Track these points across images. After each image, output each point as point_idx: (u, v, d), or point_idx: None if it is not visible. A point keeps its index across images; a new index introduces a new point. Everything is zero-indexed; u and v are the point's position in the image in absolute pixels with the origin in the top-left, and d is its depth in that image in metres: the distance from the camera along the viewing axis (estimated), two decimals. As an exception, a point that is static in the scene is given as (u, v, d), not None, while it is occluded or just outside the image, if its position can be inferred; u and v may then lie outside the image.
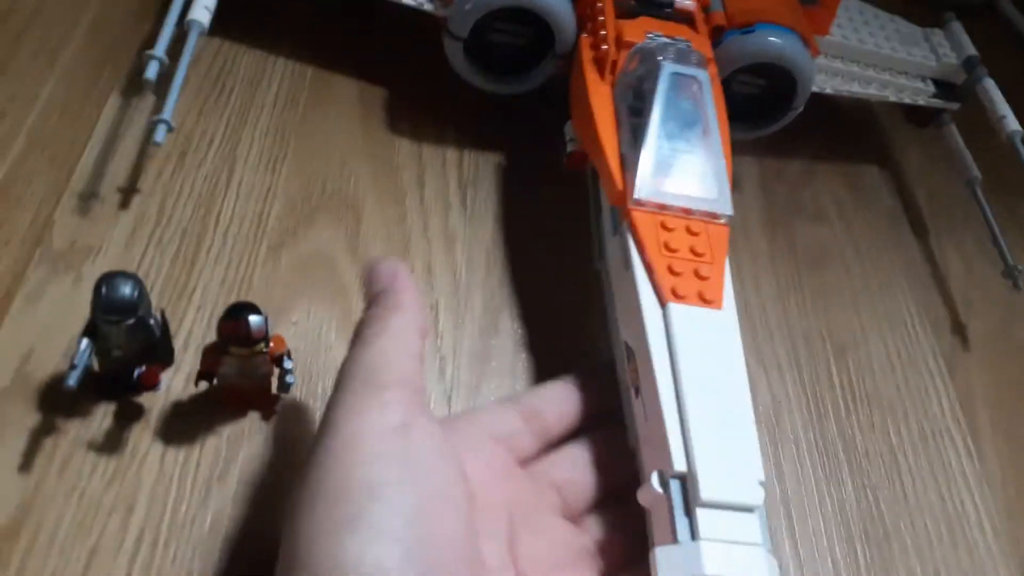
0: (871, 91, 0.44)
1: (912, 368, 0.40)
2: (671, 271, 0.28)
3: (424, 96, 0.42)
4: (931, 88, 0.46)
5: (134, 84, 0.38)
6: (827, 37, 0.43)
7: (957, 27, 0.47)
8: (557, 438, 0.28)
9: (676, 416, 0.25)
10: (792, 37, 0.38)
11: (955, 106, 0.46)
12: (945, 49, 0.46)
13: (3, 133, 0.35)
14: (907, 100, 0.45)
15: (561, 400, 0.29)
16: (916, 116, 0.48)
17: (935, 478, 0.36)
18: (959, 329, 0.42)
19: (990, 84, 0.44)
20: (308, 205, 0.37)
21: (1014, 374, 0.41)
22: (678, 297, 0.27)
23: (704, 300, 0.28)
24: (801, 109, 0.41)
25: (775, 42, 0.38)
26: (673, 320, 0.27)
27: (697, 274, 0.28)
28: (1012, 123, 0.42)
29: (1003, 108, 0.43)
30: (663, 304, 0.27)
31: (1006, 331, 0.43)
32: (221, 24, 0.38)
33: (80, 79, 0.38)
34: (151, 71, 0.32)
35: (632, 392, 0.27)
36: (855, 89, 0.44)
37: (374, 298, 0.26)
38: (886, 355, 0.40)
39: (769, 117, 0.41)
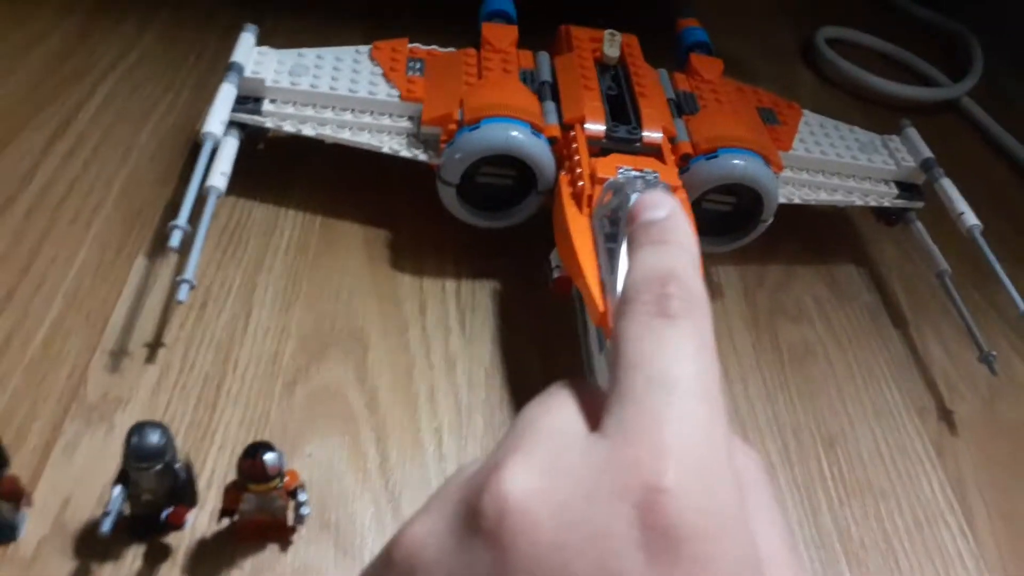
0: (837, 197, 0.48)
1: (901, 454, 0.41)
2: None
3: (424, 234, 0.46)
4: (894, 190, 0.49)
5: (158, 244, 0.42)
6: (791, 152, 0.47)
7: (912, 132, 0.51)
8: None
9: None
10: (753, 158, 0.42)
11: (919, 205, 0.49)
12: (903, 153, 0.50)
13: (44, 296, 0.39)
14: (873, 203, 0.48)
15: None
16: (884, 216, 0.51)
17: (932, 563, 0.37)
18: (944, 413, 0.44)
19: (947, 183, 0.48)
20: (319, 342, 0.40)
21: (1002, 453, 0.42)
22: None
23: None
24: (771, 221, 0.44)
25: (738, 164, 0.41)
26: None
27: None
28: (971, 218, 0.45)
29: (961, 205, 0.46)
30: None
31: (990, 411, 0.45)
32: (236, 181, 0.42)
33: (111, 241, 0.42)
34: (175, 240, 0.36)
35: None
36: (822, 197, 0.47)
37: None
38: (875, 444, 0.41)
39: (742, 230, 0.44)
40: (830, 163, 0.48)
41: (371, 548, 0.33)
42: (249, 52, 0.44)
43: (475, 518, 0.17)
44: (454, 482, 0.19)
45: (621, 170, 0.38)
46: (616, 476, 0.16)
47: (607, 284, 0.35)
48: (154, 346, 0.38)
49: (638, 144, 0.41)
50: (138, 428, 0.29)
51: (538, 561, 0.16)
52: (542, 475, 0.17)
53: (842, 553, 0.36)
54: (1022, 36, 0.72)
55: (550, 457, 0.17)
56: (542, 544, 0.16)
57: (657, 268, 0.21)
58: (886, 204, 0.49)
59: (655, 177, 0.38)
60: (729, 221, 0.44)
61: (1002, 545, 0.38)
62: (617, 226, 0.36)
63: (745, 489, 0.18)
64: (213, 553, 0.32)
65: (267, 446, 0.30)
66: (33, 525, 0.31)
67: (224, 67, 0.43)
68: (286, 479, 0.31)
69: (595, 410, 0.19)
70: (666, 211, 0.23)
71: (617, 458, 0.17)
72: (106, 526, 0.28)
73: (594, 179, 0.38)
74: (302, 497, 0.31)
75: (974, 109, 0.67)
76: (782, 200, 0.45)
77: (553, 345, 0.41)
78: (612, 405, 0.18)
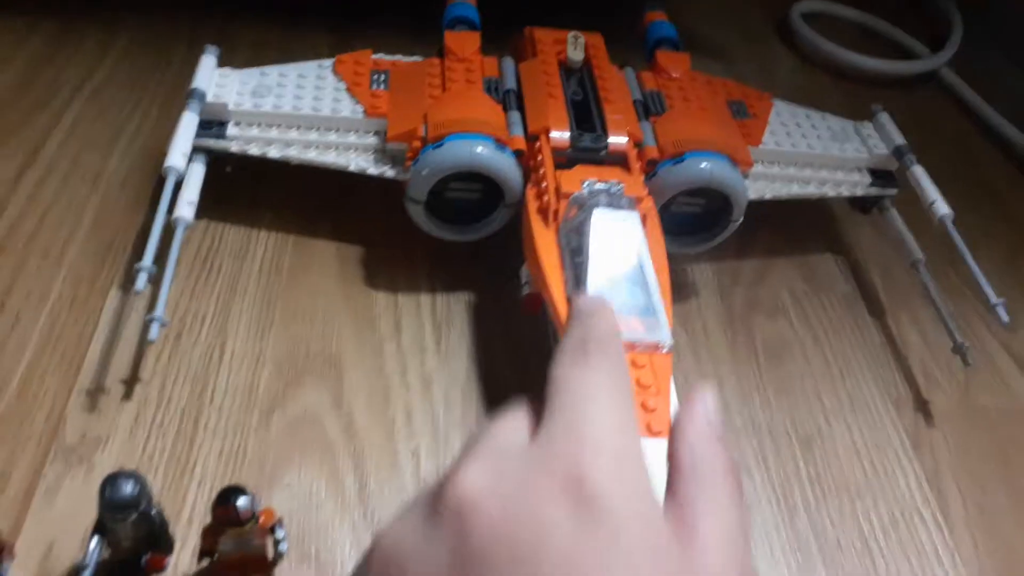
0: (810, 190, 0.47)
1: (877, 450, 0.42)
2: None
3: (396, 248, 0.46)
4: (868, 178, 0.49)
5: (132, 275, 0.42)
6: (761, 146, 0.47)
7: (885, 117, 0.50)
8: None
9: None
10: (720, 160, 0.42)
11: (893, 192, 0.49)
12: (875, 140, 0.49)
13: (19, 336, 0.39)
14: (846, 193, 0.48)
15: None
16: (859, 204, 0.51)
17: (908, 561, 0.37)
18: (921, 404, 0.44)
19: (919, 171, 0.47)
20: (294, 368, 0.40)
21: (978, 442, 0.43)
22: None
23: (652, 432, 0.30)
24: (741, 220, 0.44)
25: (704, 168, 0.41)
26: None
27: (644, 407, 0.31)
28: (942, 208, 0.45)
29: (932, 193, 0.46)
30: None
31: (968, 399, 0.45)
32: (206, 205, 0.42)
33: (84, 275, 0.42)
34: (140, 283, 0.36)
35: None
36: (794, 191, 0.47)
37: None
38: (851, 441, 0.42)
39: (713, 230, 0.44)
40: (801, 155, 0.48)
41: None
42: (210, 75, 0.44)
43: (437, 514, 0.21)
44: (419, 493, 0.23)
45: (586, 184, 0.38)
46: (547, 468, 0.21)
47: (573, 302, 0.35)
48: (131, 382, 0.38)
49: (604, 152, 0.41)
50: (111, 479, 0.29)
51: (491, 535, 0.20)
52: (489, 475, 0.21)
53: (819, 556, 0.37)
54: (1001, 4, 0.70)
55: (495, 462, 0.22)
56: (494, 521, 0.20)
57: (579, 335, 0.26)
58: (859, 193, 0.48)
59: (620, 189, 0.38)
60: (699, 222, 0.44)
61: (978, 538, 0.39)
62: (581, 243, 0.36)
63: (700, 478, 0.22)
64: (197, 590, 0.32)
65: (239, 490, 0.30)
66: (17, 573, 0.32)
67: (187, 89, 0.43)
68: (261, 519, 0.31)
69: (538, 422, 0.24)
70: (597, 307, 0.28)
71: (547, 456, 0.21)
72: (85, 578, 0.29)
73: (559, 194, 0.38)
74: (280, 534, 0.32)
75: (953, 81, 0.66)
76: (753, 196, 0.44)
77: (528, 358, 0.42)
78: (544, 420, 0.23)
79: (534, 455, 0.22)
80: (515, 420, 0.24)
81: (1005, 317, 0.42)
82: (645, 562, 0.19)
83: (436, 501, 0.21)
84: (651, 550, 0.20)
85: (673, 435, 0.24)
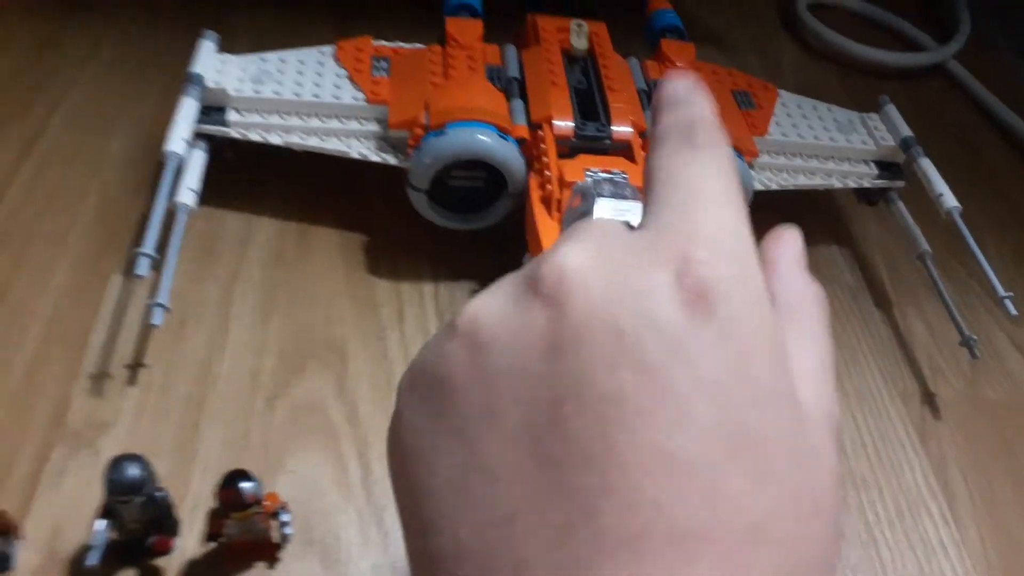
0: (816, 181, 0.47)
1: (884, 442, 0.41)
2: None
3: (399, 236, 0.46)
4: (874, 170, 0.48)
5: (133, 260, 0.42)
6: (767, 136, 0.47)
7: (891, 109, 0.50)
8: None
9: None
10: (725, 150, 0.41)
11: (900, 184, 0.49)
12: (882, 132, 0.49)
13: (24, 322, 0.39)
14: (852, 184, 0.48)
15: None
16: (865, 196, 0.50)
17: (914, 552, 0.37)
18: (928, 397, 0.44)
19: (926, 163, 0.47)
20: (298, 354, 0.40)
21: (985, 434, 0.43)
22: None
23: None
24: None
25: (709, 158, 0.41)
26: None
27: None
28: (949, 200, 0.45)
29: (940, 186, 0.46)
30: None
31: (974, 392, 0.45)
32: (207, 190, 0.42)
33: (87, 260, 0.42)
34: (141, 268, 0.36)
35: None
36: (800, 182, 0.47)
37: None
38: (857, 432, 0.42)
39: (718, 220, 0.44)
40: (807, 146, 0.47)
41: (356, 562, 0.33)
42: (210, 60, 0.44)
43: (534, 286, 0.19)
44: (506, 276, 0.21)
45: (589, 172, 0.38)
46: (657, 251, 0.19)
47: None
48: (134, 367, 0.38)
49: (608, 142, 0.41)
50: (116, 462, 0.29)
51: (591, 316, 0.18)
52: (592, 253, 0.19)
53: (822, 544, 0.37)
54: (1009, -6, 0.70)
55: (598, 242, 0.20)
56: (594, 302, 0.18)
57: (684, 120, 0.22)
58: (866, 184, 0.48)
59: (624, 178, 0.38)
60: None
61: (983, 531, 0.39)
62: None
63: (793, 311, 0.20)
64: (202, 574, 0.32)
65: (244, 475, 0.30)
66: (25, 555, 0.32)
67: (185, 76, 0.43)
68: (266, 503, 0.31)
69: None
70: (691, 90, 0.23)
71: (657, 240, 0.19)
72: (92, 559, 0.29)
73: (562, 183, 0.38)
74: (284, 518, 0.32)
75: (961, 73, 0.66)
76: (758, 187, 0.44)
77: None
78: (650, 212, 0.21)
79: (643, 241, 0.20)
80: (613, 220, 0.22)
81: (1013, 310, 0.41)
82: (756, 364, 0.18)
83: (531, 278, 0.19)
84: (763, 356, 0.18)
85: (764, 270, 0.21)
